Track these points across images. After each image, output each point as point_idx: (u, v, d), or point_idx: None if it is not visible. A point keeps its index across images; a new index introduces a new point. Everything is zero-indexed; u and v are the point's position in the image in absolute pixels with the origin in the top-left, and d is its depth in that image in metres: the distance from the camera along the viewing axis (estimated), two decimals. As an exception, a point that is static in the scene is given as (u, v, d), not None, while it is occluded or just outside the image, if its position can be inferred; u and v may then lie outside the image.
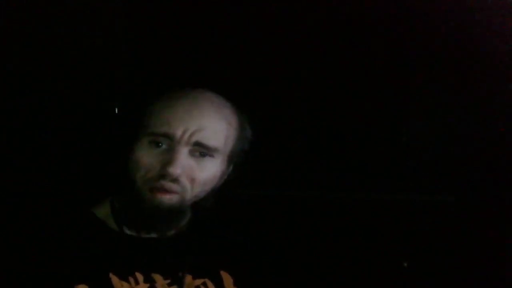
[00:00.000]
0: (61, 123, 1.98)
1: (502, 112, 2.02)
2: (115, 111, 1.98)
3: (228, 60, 2.07)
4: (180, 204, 1.25)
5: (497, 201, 2.04)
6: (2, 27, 1.88)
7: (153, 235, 1.30)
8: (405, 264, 2.10)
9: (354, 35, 2.09)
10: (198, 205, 1.31)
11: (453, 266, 2.06)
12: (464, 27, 1.97)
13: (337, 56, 2.10)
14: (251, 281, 1.33)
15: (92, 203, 1.32)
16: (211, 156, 1.25)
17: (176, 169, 1.20)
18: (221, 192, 1.34)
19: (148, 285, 1.22)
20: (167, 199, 1.23)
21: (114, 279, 1.20)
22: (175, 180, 1.22)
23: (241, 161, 1.33)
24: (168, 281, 1.24)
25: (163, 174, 1.21)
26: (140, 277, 1.22)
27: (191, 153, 1.23)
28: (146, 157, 1.22)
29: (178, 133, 1.21)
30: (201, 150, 1.23)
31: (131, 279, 1.21)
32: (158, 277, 1.23)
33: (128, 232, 1.28)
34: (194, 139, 1.22)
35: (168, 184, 1.22)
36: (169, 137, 1.21)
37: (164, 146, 1.22)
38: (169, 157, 1.20)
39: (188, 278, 1.25)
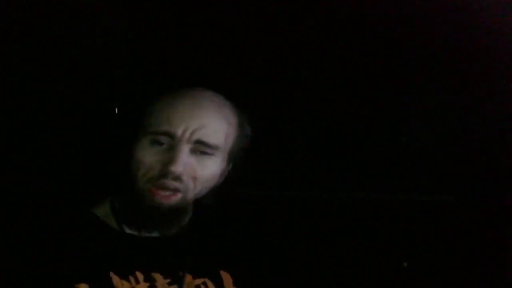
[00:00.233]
0: (61, 123, 1.98)
1: (502, 112, 2.02)
2: (115, 111, 1.98)
3: (228, 59, 2.07)
4: (181, 202, 1.25)
5: (497, 201, 2.04)
6: (2, 27, 1.88)
7: (154, 234, 1.30)
8: (405, 264, 2.10)
9: (354, 35, 2.09)
10: (199, 203, 1.31)
11: (453, 266, 2.06)
12: (464, 27, 1.97)
13: (337, 56, 2.10)
14: (251, 281, 1.33)
15: (92, 203, 1.32)
16: (212, 154, 1.25)
17: (178, 167, 1.20)
18: (221, 191, 1.34)
19: (148, 284, 1.22)
20: (168, 198, 1.23)
21: (115, 278, 1.20)
22: (177, 178, 1.22)
23: (240, 159, 1.34)
24: (168, 280, 1.24)
25: (165, 173, 1.21)
26: (140, 276, 1.22)
27: (192, 151, 1.23)
28: (147, 156, 1.22)
29: (179, 131, 1.21)
30: (202, 148, 1.24)
31: (132, 278, 1.21)
32: (158, 276, 1.23)
33: (128, 231, 1.28)
34: (195, 137, 1.22)
35: (170, 183, 1.22)
36: (170, 136, 1.21)
37: (165, 145, 1.22)
38: (170, 156, 1.21)
39: (188, 278, 1.25)
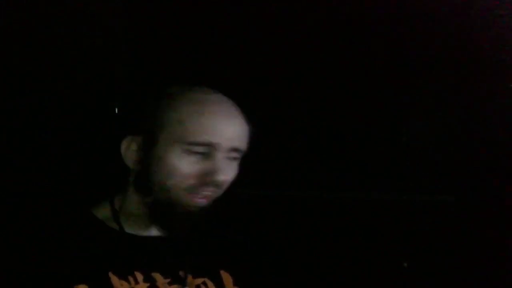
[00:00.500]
0: (61, 123, 1.98)
1: (502, 112, 2.02)
2: (115, 111, 1.98)
3: (227, 59, 2.07)
4: (209, 205, 1.26)
5: (497, 201, 2.04)
6: (2, 27, 1.88)
7: (154, 234, 1.30)
8: (405, 264, 2.10)
9: (354, 35, 2.09)
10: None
11: (453, 266, 2.06)
12: (464, 27, 1.97)
13: (337, 56, 2.10)
14: (250, 280, 1.33)
15: (91, 203, 1.32)
16: (238, 158, 1.27)
17: (223, 177, 1.22)
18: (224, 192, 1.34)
19: (148, 284, 1.22)
20: (204, 202, 1.24)
21: (114, 279, 1.20)
22: (219, 186, 1.23)
23: (244, 162, 1.35)
24: (168, 280, 1.24)
25: (209, 182, 1.22)
26: (139, 276, 1.22)
27: (226, 158, 1.24)
28: (184, 165, 1.21)
29: (220, 141, 1.22)
30: (234, 155, 1.25)
31: (131, 279, 1.21)
32: (158, 276, 1.23)
33: (127, 231, 1.28)
34: (231, 145, 1.23)
35: (211, 190, 1.23)
36: (211, 146, 1.21)
37: (203, 154, 1.22)
38: (212, 165, 1.21)
39: (189, 278, 1.25)
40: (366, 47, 2.09)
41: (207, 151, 1.22)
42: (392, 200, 2.14)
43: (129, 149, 1.25)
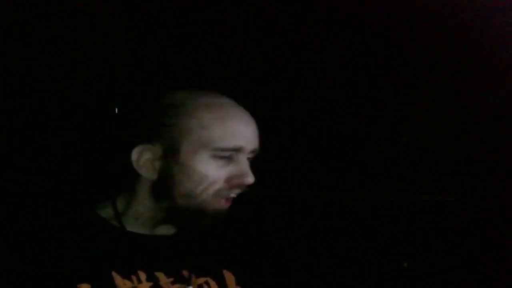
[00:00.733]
0: (61, 123, 1.98)
1: (502, 112, 2.02)
2: (115, 111, 1.98)
3: (227, 59, 2.07)
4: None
5: (497, 201, 2.04)
6: (2, 27, 1.88)
7: (156, 233, 1.30)
8: (405, 264, 2.10)
9: (354, 35, 2.09)
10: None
11: (453, 266, 2.06)
12: (464, 27, 1.97)
13: (337, 56, 2.10)
14: (250, 280, 1.33)
15: (94, 203, 1.32)
16: (251, 159, 1.28)
17: (251, 179, 1.23)
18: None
19: (150, 283, 1.22)
20: (228, 205, 1.26)
21: (117, 278, 1.20)
22: (245, 188, 1.25)
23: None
24: (171, 279, 1.24)
25: (237, 185, 1.23)
26: (142, 275, 1.22)
27: (248, 160, 1.26)
28: (211, 170, 1.22)
29: (245, 145, 1.23)
30: (252, 156, 1.26)
31: (134, 278, 1.21)
32: (161, 276, 1.23)
33: (130, 229, 1.28)
34: (252, 147, 1.24)
35: (237, 193, 1.25)
36: (238, 150, 1.23)
37: (228, 158, 1.23)
38: (239, 169, 1.23)
39: (192, 277, 1.25)
40: (366, 47, 2.09)
41: (234, 155, 1.24)
42: (392, 200, 2.14)
43: (142, 158, 1.25)
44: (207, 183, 1.23)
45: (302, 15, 2.05)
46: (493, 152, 2.07)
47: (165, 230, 1.30)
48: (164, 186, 1.25)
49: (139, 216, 1.28)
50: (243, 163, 1.24)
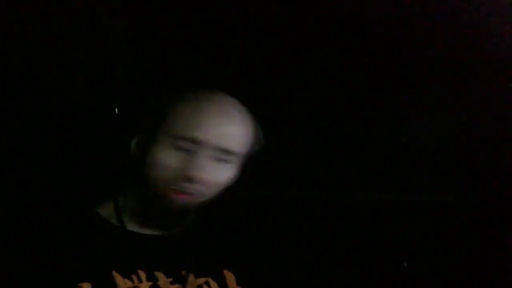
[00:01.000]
0: (61, 123, 1.98)
1: (502, 112, 2.02)
2: (115, 111, 1.98)
3: (228, 59, 2.07)
4: (194, 205, 1.26)
5: (497, 201, 2.04)
6: (2, 27, 1.88)
7: (156, 233, 1.30)
8: (405, 264, 2.10)
9: (354, 35, 2.09)
10: (203, 204, 1.32)
11: (453, 266, 2.06)
12: (464, 27, 1.97)
13: (337, 56, 2.10)
14: (250, 281, 1.33)
15: (94, 202, 1.33)
16: (230, 161, 1.26)
17: (203, 174, 1.22)
18: (222, 191, 1.34)
19: (151, 283, 1.22)
20: (185, 200, 1.24)
21: (118, 278, 1.20)
22: (200, 183, 1.23)
23: (247, 165, 1.35)
24: (171, 279, 1.24)
25: (189, 178, 1.22)
26: (143, 275, 1.22)
27: (213, 158, 1.24)
28: (168, 159, 1.22)
29: (206, 138, 1.22)
30: (223, 156, 1.25)
31: (134, 277, 1.21)
32: (160, 275, 1.24)
33: (130, 229, 1.29)
34: (219, 145, 1.23)
35: (191, 187, 1.23)
36: (197, 142, 1.22)
37: (188, 149, 1.22)
38: (195, 161, 1.21)
39: (191, 277, 1.26)
40: (366, 47, 2.09)
41: (194, 148, 1.22)
42: (392, 200, 2.14)
43: (134, 147, 1.26)
44: (165, 171, 1.23)
45: (302, 15, 2.04)
46: (493, 152, 2.07)
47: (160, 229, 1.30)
48: (139, 174, 1.26)
49: (132, 211, 1.29)
50: (200, 158, 1.22)
